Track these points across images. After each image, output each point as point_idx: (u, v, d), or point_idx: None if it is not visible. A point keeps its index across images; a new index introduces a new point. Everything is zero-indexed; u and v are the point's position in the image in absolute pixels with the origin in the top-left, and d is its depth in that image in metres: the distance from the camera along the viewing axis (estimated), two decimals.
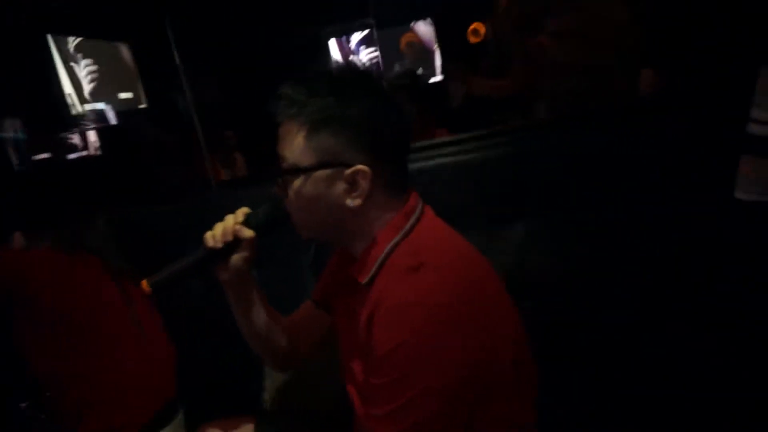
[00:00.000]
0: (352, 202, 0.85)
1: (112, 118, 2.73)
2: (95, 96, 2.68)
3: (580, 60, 1.91)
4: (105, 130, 2.72)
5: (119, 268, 1.59)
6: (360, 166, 0.83)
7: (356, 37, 3.46)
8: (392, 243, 0.86)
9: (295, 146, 0.85)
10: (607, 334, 1.36)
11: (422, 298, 0.78)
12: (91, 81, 2.65)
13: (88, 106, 2.63)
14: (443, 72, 3.45)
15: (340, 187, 0.85)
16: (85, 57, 2.63)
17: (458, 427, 0.80)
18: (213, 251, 0.94)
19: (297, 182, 0.86)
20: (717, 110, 1.30)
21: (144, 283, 0.94)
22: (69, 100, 2.50)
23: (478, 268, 0.87)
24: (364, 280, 0.87)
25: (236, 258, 0.95)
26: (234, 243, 0.94)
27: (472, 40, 3.23)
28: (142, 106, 2.85)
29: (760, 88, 0.78)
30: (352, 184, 0.84)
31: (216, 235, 0.95)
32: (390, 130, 0.86)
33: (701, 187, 1.27)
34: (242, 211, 0.97)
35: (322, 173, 0.85)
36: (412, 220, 0.88)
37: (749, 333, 1.23)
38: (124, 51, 2.84)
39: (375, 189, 0.85)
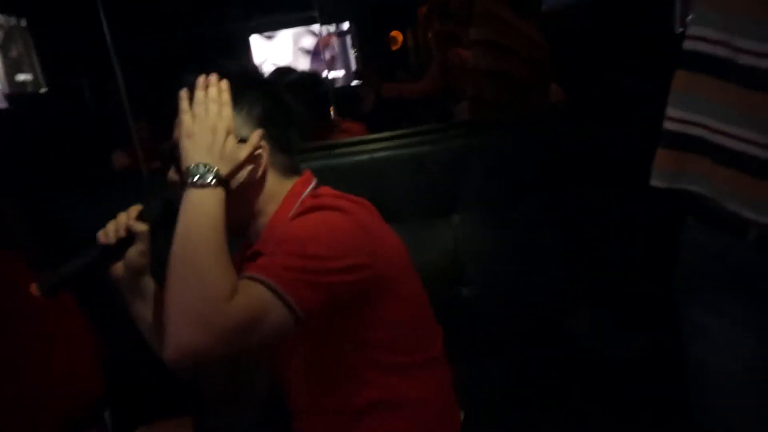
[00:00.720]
0: (251, 176, 0.91)
1: (3, 101, 2.47)
2: None
3: (496, 69, 2.08)
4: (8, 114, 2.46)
5: (38, 260, 1.47)
6: (259, 140, 0.91)
7: (281, 34, 3.45)
8: (294, 208, 0.93)
9: None
10: (536, 317, 1.51)
11: (316, 220, 0.87)
12: None
13: None
14: (358, 76, 3.54)
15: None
16: None
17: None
18: (106, 248, 0.93)
19: None
20: (622, 114, 1.53)
21: (33, 288, 0.89)
22: None
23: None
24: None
25: (132, 252, 0.94)
26: (128, 238, 0.94)
27: (391, 47, 3.36)
28: (43, 90, 2.61)
29: (673, 91, 0.90)
30: (251, 158, 0.90)
31: (108, 231, 0.94)
32: (283, 120, 0.95)
33: (617, 178, 1.46)
34: (135, 208, 0.96)
35: None
36: (309, 187, 0.97)
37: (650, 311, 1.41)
38: (25, 30, 2.59)
39: (271, 167, 0.94)
